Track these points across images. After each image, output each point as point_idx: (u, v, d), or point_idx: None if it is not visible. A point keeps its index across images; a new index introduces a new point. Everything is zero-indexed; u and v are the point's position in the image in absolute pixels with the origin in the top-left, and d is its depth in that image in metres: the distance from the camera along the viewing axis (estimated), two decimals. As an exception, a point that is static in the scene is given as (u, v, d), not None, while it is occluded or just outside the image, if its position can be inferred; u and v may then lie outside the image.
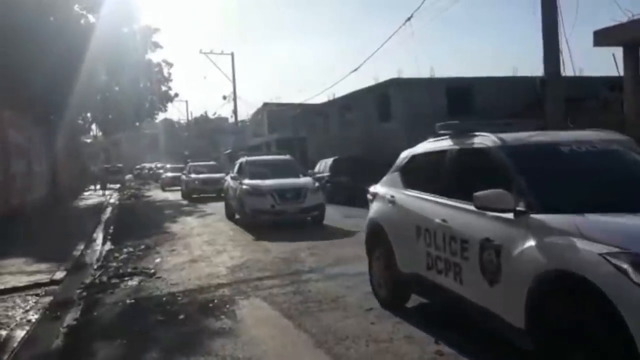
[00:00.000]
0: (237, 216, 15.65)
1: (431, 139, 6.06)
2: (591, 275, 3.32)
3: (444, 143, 5.61)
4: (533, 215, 4.03)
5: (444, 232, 4.96)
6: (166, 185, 37.22)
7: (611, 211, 3.86)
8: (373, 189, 7.02)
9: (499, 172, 4.55)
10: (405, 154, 6.60)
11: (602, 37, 14.01)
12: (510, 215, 4.15)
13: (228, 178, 16.94)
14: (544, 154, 4.76)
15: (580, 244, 3.51)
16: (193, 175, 27.94)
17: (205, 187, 27.07)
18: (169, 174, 38.30)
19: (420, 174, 6.10)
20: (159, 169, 52.16)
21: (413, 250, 5.56)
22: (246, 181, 14.52)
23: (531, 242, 3.91)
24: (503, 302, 4.12)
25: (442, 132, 5.79)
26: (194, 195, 26.92)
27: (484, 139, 5.00)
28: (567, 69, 13.55)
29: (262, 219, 13.85)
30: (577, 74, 16.44)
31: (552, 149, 4.77)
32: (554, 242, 3.75)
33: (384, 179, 6.88)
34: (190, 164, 30.22)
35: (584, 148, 4.76)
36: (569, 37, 16.11)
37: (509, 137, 4.97)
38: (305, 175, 15.68)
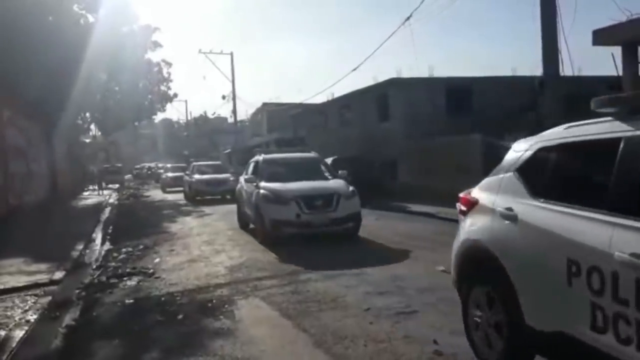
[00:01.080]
0: (251, 225, 13.14)
1: (577, 123, 3.93)
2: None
3: (607, 127, 3.58)
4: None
5: (632, 274, 2.98)
6: (167, 186, 35.31)
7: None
8: (468, 194, 4.99)
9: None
10: (526, 145, 4.48)
11: (601, 37, 13.97)
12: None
13: (241, 180, 14.11)
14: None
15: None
16: (197, 176, 26.09)
17: (210, 189, 25.20)
18: (170, 174, 36.33)
19: (559, 177, 4.07)
20: (159, 168, 51.12)
21: (559, 298, 3.56)
22: (264, 184, 11.79)
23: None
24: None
25: (603, 110, 3.66)
26: (198, 198, 25.38)
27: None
28: (566, 69, 13.59)
29: (284, 232, 11.07)
30: (576, 73, 16.40)
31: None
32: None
33: (488, 181, 4.81)
34: (194, 163, 28.54)
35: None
36: (567, 37, 16.01)
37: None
38: (335, 176, 12.66)
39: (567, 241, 3.48)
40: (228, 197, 22.72)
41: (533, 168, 4.25)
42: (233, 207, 17.37)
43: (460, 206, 5.00)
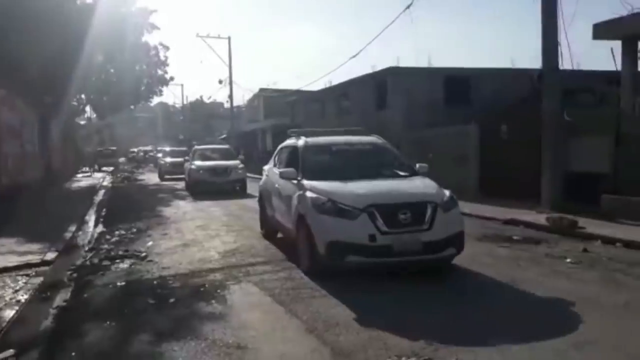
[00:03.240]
0: (280, 235, 9.71)
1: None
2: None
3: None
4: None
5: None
6: (166, 172, 31.14)
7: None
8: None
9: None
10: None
11: (602, 31, 13.96)
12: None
13: (270, 171, 10.35)
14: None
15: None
16: (198, 163, 21.84)
17: (215, 179, 20.86)
18: (169, 160, 31.80)
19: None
20: (157, 152, 47.69)
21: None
22: (312, 183, 7.74)
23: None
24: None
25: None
26: (201, 185, 21.01)
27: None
28: (565, 62, 13.56)
29: (348, 262, 6.87)
30: (575, 67, 16.34)
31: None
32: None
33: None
34: (196, 147, 24.60)
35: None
36: (567, 31, 15.96)
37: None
38: (415, 172, 8.44)
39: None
40: (237, 188, 20.95)
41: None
42: (243, 201, 17.67)
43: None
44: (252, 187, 18.63)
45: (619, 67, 14.36)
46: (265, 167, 10.92)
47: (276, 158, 10.30)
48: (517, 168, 14.42)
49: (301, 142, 9.05)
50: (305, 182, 7.88)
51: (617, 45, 14.44)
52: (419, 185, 7.85)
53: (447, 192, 7.56)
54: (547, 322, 5.30)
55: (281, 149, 10.23)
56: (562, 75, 13.72)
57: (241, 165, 21.77)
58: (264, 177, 10.86)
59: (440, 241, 6.98)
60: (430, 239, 6.88)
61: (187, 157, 24.53)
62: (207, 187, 20.42)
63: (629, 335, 5.01)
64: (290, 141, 9.77)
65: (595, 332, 5.03)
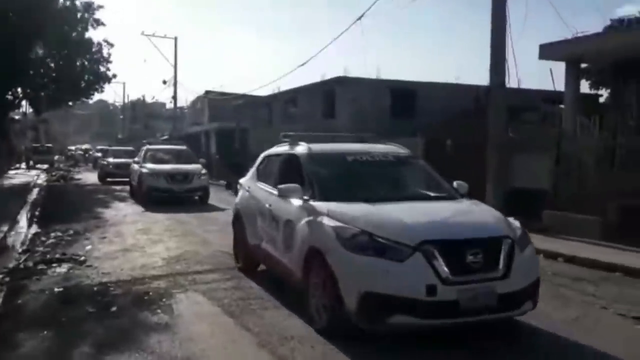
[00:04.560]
0: (262, 267, 7.65)
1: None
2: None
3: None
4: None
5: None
6: (108, 175, 27.63)
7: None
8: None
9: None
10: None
11: (547, 51, 14.39)
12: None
13: (248, 184, 8.26)
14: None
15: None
16: (151, 166, 18.07)
17: (173, 186, 17.44)
18: (112, 160, 27.95)
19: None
20: (97, 151, 44.66)
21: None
22: (335, 208, 5.63)
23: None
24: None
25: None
26: (155, 194, 17.26)
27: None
28: (511, 81, 13.89)
29: (399, 328, 4.96)
30: (519, 86, 16.83)
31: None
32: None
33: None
34: (148, 147, 20.56)
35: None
36: (514, 49, 16.38)
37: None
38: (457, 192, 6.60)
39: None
40: (197, 197, 18.05)
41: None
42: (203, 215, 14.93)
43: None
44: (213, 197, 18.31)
45: (557, 87, 14.89)
46: (243, 181, 8.56)
47: (260, 169, 8.09)
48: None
49: (302, 149, 6.86)
50: (318, 203, 5.79)
51: (560, 65, 14.95)
52: (482, 213, 5.87)
53: (517, 223, 5.68)
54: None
55: (268, 157, 8.04)
56: (507, 92, 14.04)
57: (203, 171, 18.47)
58: (241, 194, 8.38)
59: (518, 293, 5.05)
60: (507, 289, 4.93)
61: (136, 159, 20.46)
62: (161, 196, 17.13)
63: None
64: (281, 148, 7.59)
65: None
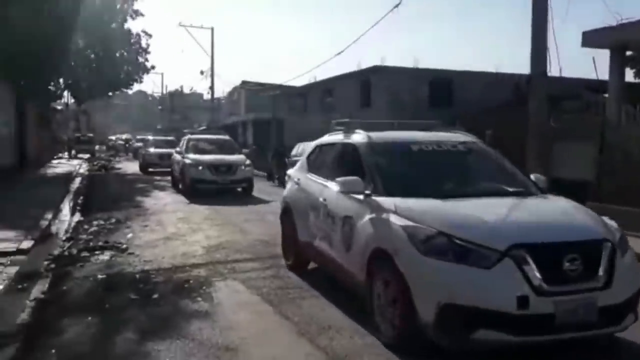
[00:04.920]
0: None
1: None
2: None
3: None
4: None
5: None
6: (150, 164, 27.15)
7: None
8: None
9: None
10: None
11: (590, 39, 14.00)
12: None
13: (297, 176, 7.64)
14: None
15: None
16: (194, 156, 17.31)
17: (216, 178, 16.69)
18: (153, 150, 27.39)
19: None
20: (137, 141, 44.34)
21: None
22: (404, 204, 4.99)
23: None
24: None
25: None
26: (198, 185, 16.65)
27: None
28: (553, 69, 13.55)
29: (486, 344, 4.29)
30: (561, 74, 16.43)
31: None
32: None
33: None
34: (190, 136, 19.87)
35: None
36: (556, 37, 15.99)
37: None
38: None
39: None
40: (240, 189, 17.36)
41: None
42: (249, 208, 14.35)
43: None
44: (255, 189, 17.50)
45: (600, 76, 14.48)
46: (292, 172, 8.03)
47: (311, 160, 7.54)
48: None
49: (360, 137, 6.20)
50: (383, 199, 5.15)
51: (603, 53, 14.53)
52: (576, 212, 5.06)
53: (614, 224, 4.93)
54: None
55: (320, 147, 7.48)
56: (548, 81, 13.72)
57: (247, 162, 17.69)
58: (290, 186, 7.79)
59: (621, 305, 4.37)
60: (609, 301, 4.26)
61: (177, 149, 19.82)
62: (205, 188, 16.59)
63: None
64: (335, 137, 7.00)
65: None
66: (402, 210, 4.83)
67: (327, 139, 7.32)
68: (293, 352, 4.64)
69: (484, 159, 6.25)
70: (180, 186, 17.89)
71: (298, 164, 8.01)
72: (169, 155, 21.74)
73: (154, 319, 5.43)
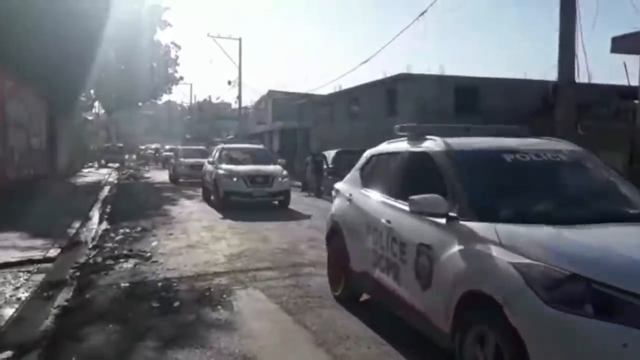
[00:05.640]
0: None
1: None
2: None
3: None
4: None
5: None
6: (181, 175, 26.20)
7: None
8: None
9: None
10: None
11: (620, 44, 13.75)
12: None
13: (348, 190, 6.53)
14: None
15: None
16: (228, 167, 16.28)
17: (251, 190, 15.56)
18: (184, 160, 26.23)
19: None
20: (166, 150, 44.50)
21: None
22: (521, 235, 3.67)
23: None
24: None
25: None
26: (233, 198, 15.52)
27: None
28: (581, 75, 13.34)
29: None
30: (589, 81, 16.18)
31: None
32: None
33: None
34: (223, 145, 19.15)
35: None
36: (584, 44, 15.76)
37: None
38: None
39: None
40: (276, 202, 16.22)
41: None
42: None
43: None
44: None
45: (632, 82, 14.18)
46: (341, 186, 6.80)
47: (365, 172, 6.38)
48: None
49: (435, 145, 4.92)
50: (477, 225, 3.93)
51: (634, 59, 14.27)
52: None
53: None
54: None
55: (377, 156, 6.28)
56: (577, 88, 13.51)
57: (284, 173, 16.46)
58: (340, 203, 6.60)
59: None
60: None
61: (209, 159, 18.70)
62: (240, 201, 15.52)
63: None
64: (398, 144, 5.75)
65: None
66: (510, 241, 3.58)
67: (386, 147, 6.09)
68: (310, 362, 4.62)
69: (593, 171, 4.95)
70: (212, 198, 16.90)
71: (348, 177, 6.82)
72: (201, 165, 20.47)
73: (174, 327, 5.46)
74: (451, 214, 4.15)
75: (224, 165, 16.41)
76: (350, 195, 6.31)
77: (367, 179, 6.20)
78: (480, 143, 5.03)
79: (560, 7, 13.15)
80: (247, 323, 5.57)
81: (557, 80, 13.65)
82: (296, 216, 14.40)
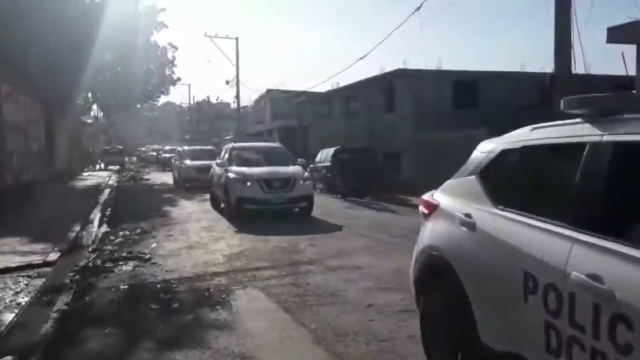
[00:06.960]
0: None
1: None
2: None
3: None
4: None
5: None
6: (187, 180, 23.28)
7: None
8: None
9: None
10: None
11: (616, 34, 13.69)
12: None
13: (481, 214, 3.58)
14: None
15: None
16: (241, 170, 13.90)
17: (270, 196, 13.27)
18: (192, 163, 23.42)
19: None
20: (166, 152, 43.41)
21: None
22: None
23: None
24: None
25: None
26: (248, 207, 13.21)
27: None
28: (578, 66, 13.33)
29: None
30: (586, 72, 16.14)
31: None
32: None
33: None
34: (234, 145, 16.51)
35: None
36: (581, 34, 15.73)
37: None
38: None
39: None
40: (297, 210, 14.03)
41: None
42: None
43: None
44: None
45: (630, 72, 14.11)
46: (448, 202, 4.16)
47: (490, 180, 3.78)
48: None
49: None
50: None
51: (631, 49, 14.21)
52: None
53: None
54: None
55: (519, 152, 3.55)
56: (574, 80, 13.48)
57: (306, 175, 14.24)
58: (449, 230, 3.92)
59: None
60: None
61: (218, 161, 16.69)
62: (256, 208, 13.28)
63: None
64: (573, 129, 3.08)
65: None
66: None
67: (538, 134, 3.45)
68: (308, 360, 4.62)
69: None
70: (222, 206, 14.72)
71: (452, 186, 4.31)
72: (210, 168, 17.91)
73: (173, 328, 5.47)
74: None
75: (235, 168, 14.14)
76: (470, 217, 3.69)
77: (500, 192, 3.66)
78: None
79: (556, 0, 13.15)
80: (246, 323, 5.57)
81: (553, 70, 13.67)
82: (327, 228, 12.22)
